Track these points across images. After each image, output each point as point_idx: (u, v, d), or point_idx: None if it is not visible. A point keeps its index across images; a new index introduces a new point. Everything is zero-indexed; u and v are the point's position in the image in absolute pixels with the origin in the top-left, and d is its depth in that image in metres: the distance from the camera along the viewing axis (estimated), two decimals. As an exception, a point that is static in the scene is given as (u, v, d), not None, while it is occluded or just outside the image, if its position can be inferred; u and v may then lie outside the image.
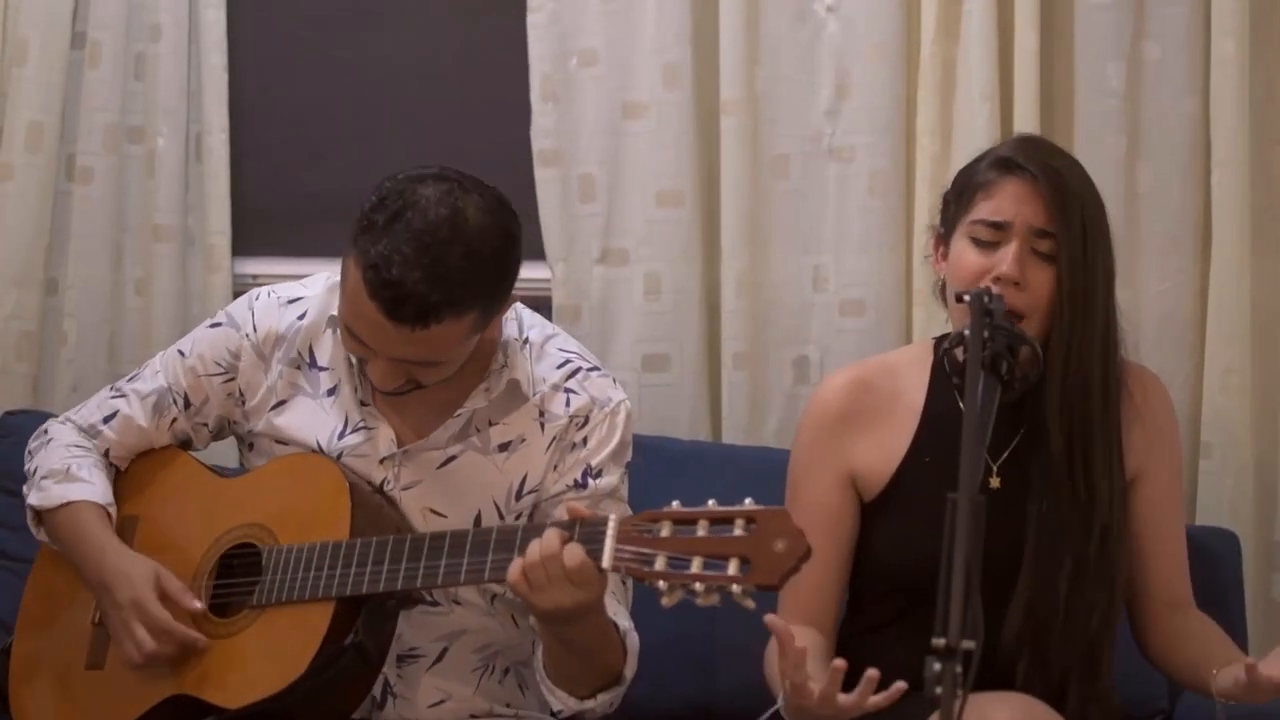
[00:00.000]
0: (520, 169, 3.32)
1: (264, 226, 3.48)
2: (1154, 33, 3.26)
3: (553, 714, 2.50)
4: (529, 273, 3.34)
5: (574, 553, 2.22)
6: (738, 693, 2.92)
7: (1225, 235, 3.21)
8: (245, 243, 3.45)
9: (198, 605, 2.45)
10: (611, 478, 2.53)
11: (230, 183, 3.40)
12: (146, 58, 3.39)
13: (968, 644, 1.87)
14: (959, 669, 1.86)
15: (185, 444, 2.67)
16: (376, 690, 2.51)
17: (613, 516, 2.22)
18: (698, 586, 2.12)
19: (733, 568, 2.11)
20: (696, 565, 2.13)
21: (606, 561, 2.20)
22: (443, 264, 2.31)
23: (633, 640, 2.47)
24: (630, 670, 2.46)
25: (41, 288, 3.38)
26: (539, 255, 3.33)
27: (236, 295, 3.31)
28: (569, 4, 3.34)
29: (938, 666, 1.86)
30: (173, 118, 3.37)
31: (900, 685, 2.20)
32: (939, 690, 1.85)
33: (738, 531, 2.13)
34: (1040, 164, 2.54)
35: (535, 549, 2.23)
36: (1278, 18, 3.25)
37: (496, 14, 3.44)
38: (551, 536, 2.23)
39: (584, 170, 3.34)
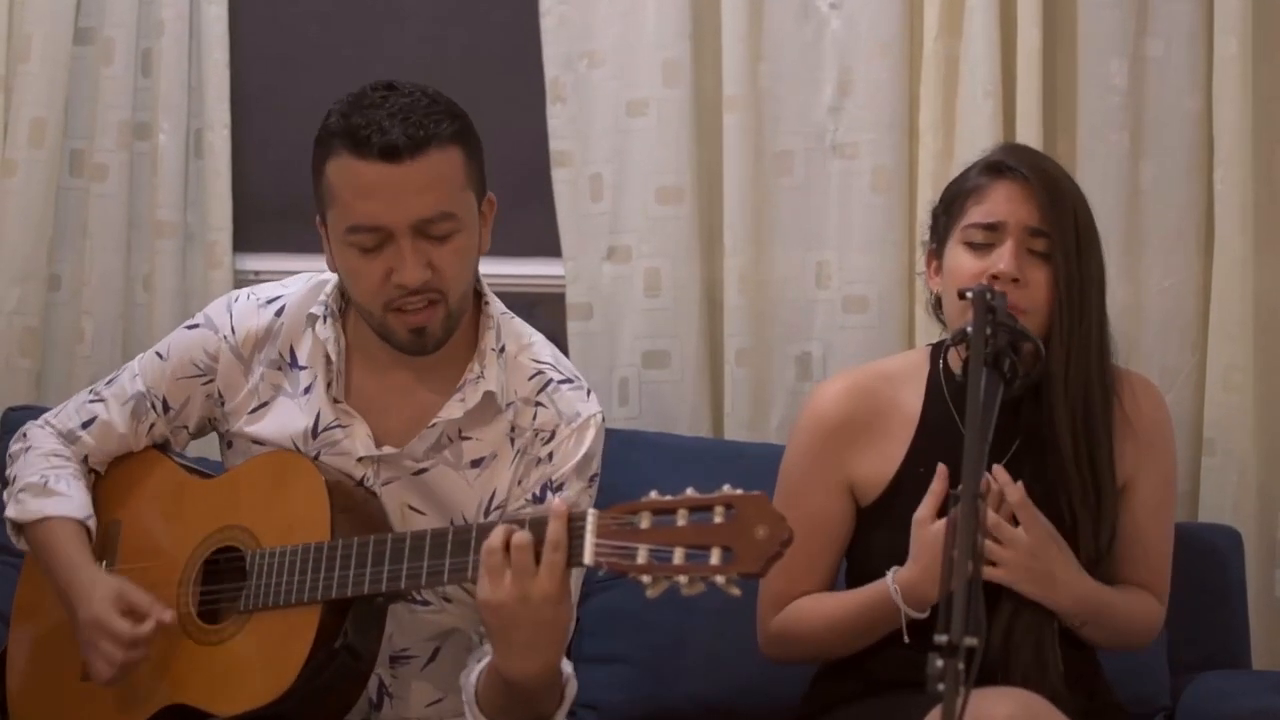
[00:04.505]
0: (529, 167, 3.34)
1: (265, 223, 3.48)
2: (1157, 30, 3.27)
3: None
4: (547, 269, 3.36)
5: (518, 536, 2.20)
6: (745, 690, 2.93)
7: (1228, 232, 3.22)
8: (246, 239, 3.45)
9: (168, 616, 2.40)
10: (570, 492, 2.47)
11: (231, 179, 3.39)
12: (152, 54, 3.39)
13: (970, 641, 1.87)
14: (961, 666, 1.86)
15: (164, 446, 2.65)
16: (372, 692, 2.50)
17: (592, 511, 2.17)
18: (681, 579, 2.09)
19: (715, 557, 2.08)
20: (679, 556, 2.09)
21: (588, 558, 2.15)
22: (410, 109, 2.38)
23: (572, 688, 2.41)
24: (561, 715, 2.40)
25: (45, 283, 3.38)
26: (556, 253, 3.36)
27: (237, 291, 3.33)
28: (577, 6, 3.35)
29: (940, 663, 1.85)
30: (175, 114, 3.37)
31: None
32: (941, 687, 1.85)
33: (718, 519, 2.09)
34: (1030, 165, 2.56)
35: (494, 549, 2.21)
36: (1280, 15, 3.26)
37: (503, 11, 3.44)
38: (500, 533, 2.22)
39: (594, 170, 3.35)
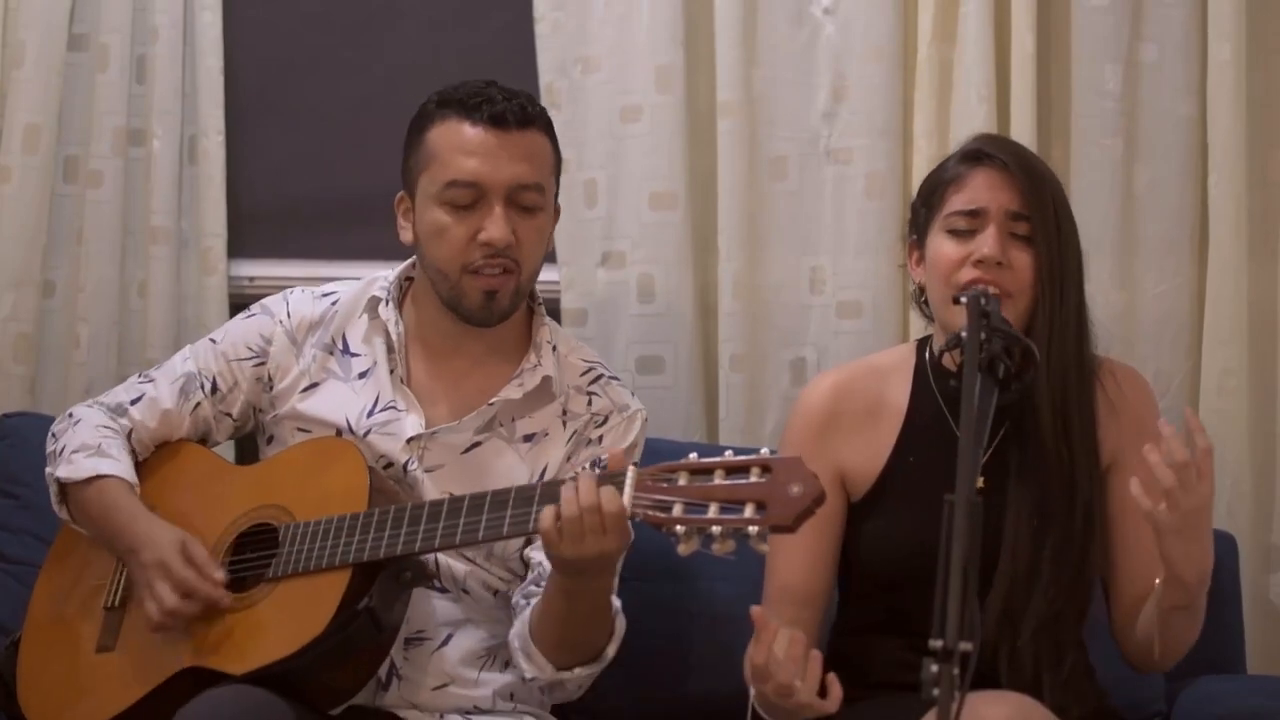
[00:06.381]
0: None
1: (260, 229, 3.48)
2: (1151, 35, 3.27)
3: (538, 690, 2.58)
4: (541, 275, 3.37)
5: (611, 499, 2.28)
6: (731, 695, 2.92)
7: (1222, 237, 3.22)
8: (241, 245, 3.44)
9: (220, 576, 2.50)
10: None
11: (226, 185, 3.39)
12: (147, 60, 3.39)
13: (965, 645, 1.87)
14: (956, 670, 1.86)
15: (203, 438, 2.73)
16: (382, 672, 2.55)
17: (632, 466, 2.29)
18: (714, 530, 2.18)
19: (749, 511, 2.18)
20: (713, 510, 2.19)
21: (625, 508, 2.26)
22: (513, 95, 2.62)
23: (621, 622, 2.54)
24: (613, 649, 2.53)
25: (39, 290, 3.38)
26: (550, 259, 3.34)
27: (232, 298, 3.34)
28: (572, 12, 3.35)
29: (935, 668, 1.85)
30: (169, 120, 3.37)
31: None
32: (936, 692, 1.85)
33: (753, 478, 2.19)
34: (1007, 152, 2.59)
35: (573, 500, 2.29)
36: (1275, 21, 3.26)
37: (497, 15, 3.45)
38: (588, 485, 2.29)
39: (588, 176, 3.35)
